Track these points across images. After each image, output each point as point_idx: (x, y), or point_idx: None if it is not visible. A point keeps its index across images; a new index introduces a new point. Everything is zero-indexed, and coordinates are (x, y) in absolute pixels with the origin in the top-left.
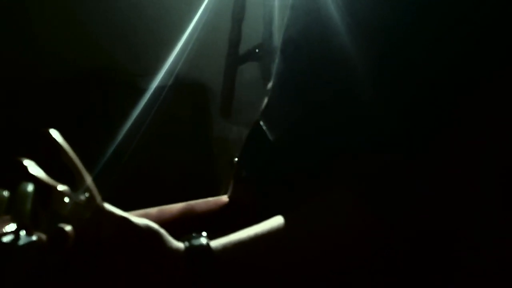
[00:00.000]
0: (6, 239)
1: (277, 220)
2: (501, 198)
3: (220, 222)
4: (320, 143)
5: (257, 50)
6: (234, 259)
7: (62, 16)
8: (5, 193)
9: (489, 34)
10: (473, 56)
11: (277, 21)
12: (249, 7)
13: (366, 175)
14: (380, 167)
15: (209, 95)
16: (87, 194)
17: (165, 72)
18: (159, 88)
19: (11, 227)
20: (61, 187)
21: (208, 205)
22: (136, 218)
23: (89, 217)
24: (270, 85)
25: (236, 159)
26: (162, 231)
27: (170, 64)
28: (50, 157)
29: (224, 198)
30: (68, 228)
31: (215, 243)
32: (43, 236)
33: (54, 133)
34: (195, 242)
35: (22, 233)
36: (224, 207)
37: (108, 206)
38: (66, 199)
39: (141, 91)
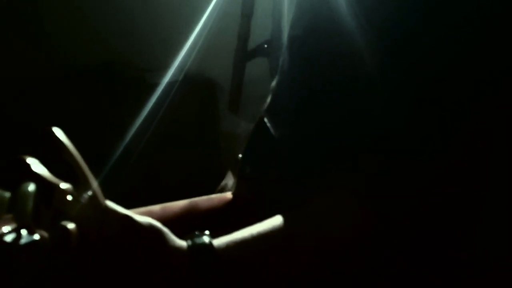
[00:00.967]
0: (7, 238)
1: (280, 219)
2: (502, 198)
3: (224, 219)
4: (324, 141)
5: (266, 46)
6: (237, 257)
7: (72, 13)
8: (7, 194)
9: (497, 30)
10: (480, 53)
11: (286, 17)
12: (258, 3)
13: (369, 174)
14: (383, 166)
15: (217, 91)
16: (90, 193)
17: (174, 67)
18: (168, 84)
19: (13, 226)
20: (64, 185)
21: (212, 202)
22: (139, 216)
23: (92, 215)
24: (274, 81)
25: (240, 155)
26: (165, 229)
27: (179, 60)
28: (53, 155)
29: (228, 195)
30: (71, 226)
31: (218, 242)
32: (46, 235)
33: (57, 131)
34: (198, 240)
35: (24, 232)
36: (228, 204)
37: (111, 205)
38: (69, 197)
39: (150, 86)
